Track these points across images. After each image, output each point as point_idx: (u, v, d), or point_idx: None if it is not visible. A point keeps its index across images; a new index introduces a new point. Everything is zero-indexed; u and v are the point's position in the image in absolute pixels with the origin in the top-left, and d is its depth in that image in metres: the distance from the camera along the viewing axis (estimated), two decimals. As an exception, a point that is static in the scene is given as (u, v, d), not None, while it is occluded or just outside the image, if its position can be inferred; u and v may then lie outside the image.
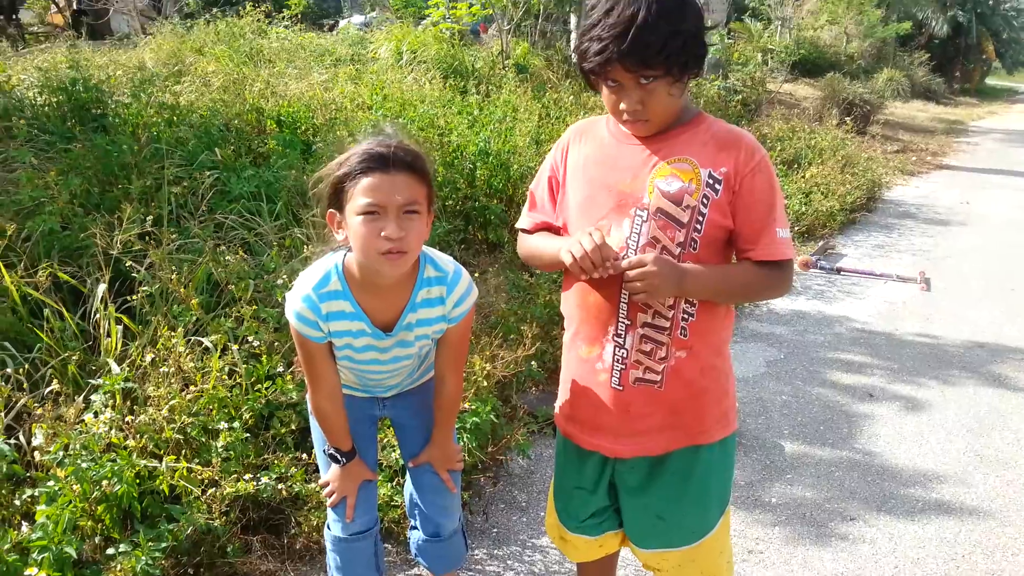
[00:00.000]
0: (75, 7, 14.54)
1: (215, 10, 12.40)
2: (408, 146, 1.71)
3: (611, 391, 1.80)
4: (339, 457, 1.99)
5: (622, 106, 1.69)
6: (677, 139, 1.73)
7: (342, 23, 18.87)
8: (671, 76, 1.64)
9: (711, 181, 1.68)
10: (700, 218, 1.69)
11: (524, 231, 1.97)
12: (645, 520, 1.94)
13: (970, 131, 16.14)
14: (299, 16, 13.10)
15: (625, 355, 1.77)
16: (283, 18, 12.33)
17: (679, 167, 1.70)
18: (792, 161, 8.43)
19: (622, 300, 1.75)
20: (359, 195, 1.64)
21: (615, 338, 1.77)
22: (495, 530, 2.87)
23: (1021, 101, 24.95)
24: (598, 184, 1.78)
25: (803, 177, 7.83)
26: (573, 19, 14.79)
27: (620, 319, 1.76)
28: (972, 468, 3.39)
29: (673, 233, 1.70)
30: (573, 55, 13.65)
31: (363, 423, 2.07)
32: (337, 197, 1.69)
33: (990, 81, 31.53)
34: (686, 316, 1.76)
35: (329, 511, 2.09)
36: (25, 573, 1.96)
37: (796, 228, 6.86)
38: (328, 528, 2.11)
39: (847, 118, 10.97)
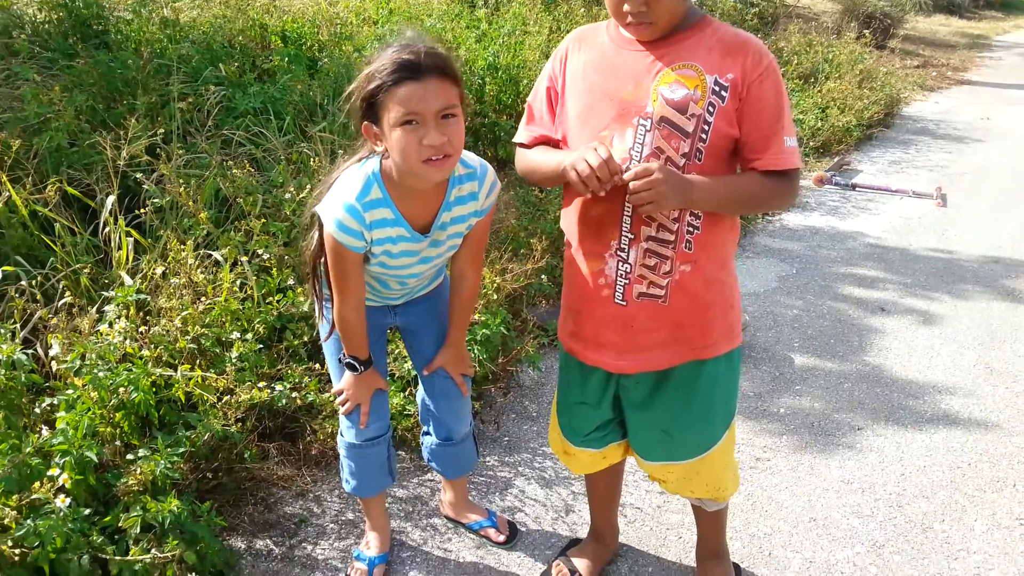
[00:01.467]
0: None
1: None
2: (435, 49, 1.66)
3: (614, 307, 1.79)
4: (356, 366, 2.00)
5: (626, 7, 1.62)
6: (682, 44, 1.66)
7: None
8: None
9: (717, 88, 1.63)
10: (706, 127, 1.64)
11: (522, 145, 1.91)
12: (650, 434, 1.95)
13: (994, 45, 15.66)
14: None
15: (628, 270, 1.75)
16: (285, -69, 11.99)
17: (684, 73, 1.64)
18: (809, 75, 8.23)
19: (625, 213, 1.71)
20: (395, 106, 1.61)
21: (618, 252, 1.74)
22: (506, 438, 2.92)
23: (1048, 14, 24.13)
24: (599, 92, 1.72)
25: (819, 91, 7.65)
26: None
27: (623, 233, 1.73)
28: (982, 380, 3.41)
29: (678, 143, 1.65)
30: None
31: (374, 332, 2.06)
32: (372, 110, 1.66)
33: (1017, -6, 30.45)
34: (691, 229, 1.72)
35: (342, 419, 2.12)
36: (48, 474, 2.00)
37: (811, 143, 6.74)
38: (341, 435, 2.14)
39: (866, 31, 10.66)
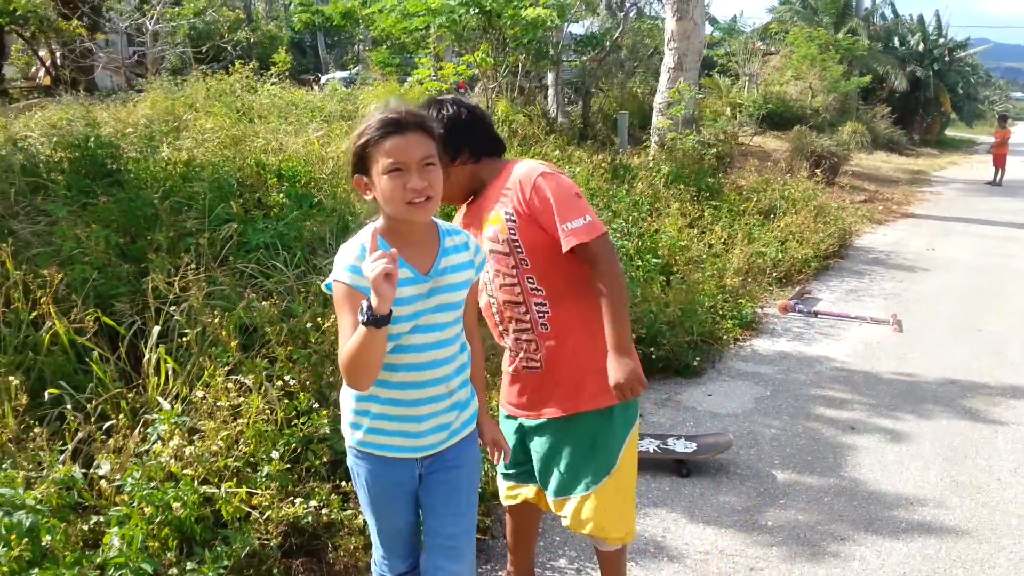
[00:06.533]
0: (58, 63, 14.77)
1: (203, 67, 12.76)
2: (415, 110, 1.94)
3: (510, 375, 2.45)
4: (373, 314, 1.73)
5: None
6: (487, 197, 2.33)
7: (324, 79, 19.35)
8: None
9: (507, 217, 2.25)
10: (517, 244, 2.26)
11: None
12: (546, 469, 2.45)
13: (932, 181, 16.82)
14: (286, 73, 13.49)
15: (512, 349, 2.40)
16: (271, 75, 12.69)
17: (490, 216, 2.30)
18: (768, 211, 8.85)
19: (493, 311, 2.40)
20: (382, 157, 1.84)
21: (503, 337, 2.43)
22: None
23: (979, 152, 25.95)
24: None
25: (779, 226, 8.22)
26: (550, 76, 15.38)
27: (499, 324, 2.42)
28: (949, 492, 3.67)
29: (506, 260, 2.29)
30: (552, 112, 14.15)
31: (404, 485, 2.07)
32: (362, 163, 1.89)
33: (949, 132, 32.73)
34: (541, 314, 2.32)
35: (377, 550, 2.17)
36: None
37: (774, 274, 7.21)
38: (377, 567, 2.21)
39: (817, 170, 11.47)
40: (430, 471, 2.07)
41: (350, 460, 2.09)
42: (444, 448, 2.07)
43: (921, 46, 27.91)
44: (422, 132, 1.88)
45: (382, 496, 2.08)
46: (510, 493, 2.64)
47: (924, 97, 26.90)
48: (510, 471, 2.59)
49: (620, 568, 2.65)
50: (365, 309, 1.72)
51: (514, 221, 2.24)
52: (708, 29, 21.29)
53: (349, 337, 1.81)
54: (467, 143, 2.30)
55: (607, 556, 2.61)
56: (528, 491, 2.60)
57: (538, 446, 2.45)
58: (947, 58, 28.19)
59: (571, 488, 2.42)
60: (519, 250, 2.27)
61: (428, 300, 1.96)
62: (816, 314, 6.39)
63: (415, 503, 2.13)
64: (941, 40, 28.57)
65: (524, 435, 2.49)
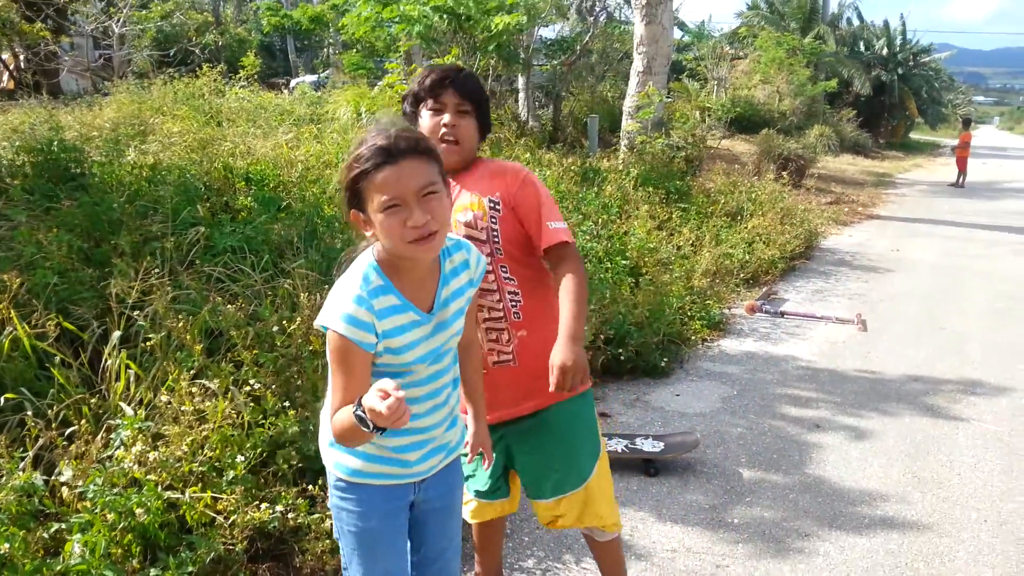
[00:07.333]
0: (22, 66, 14.52)
1: (170, 70, 12.64)
2: (407, 131, 1.70)
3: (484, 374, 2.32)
4: (368, 422, 1.55)
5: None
6: (463, 180, 2.27)
7: (294, 82, 19.24)
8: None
9: (491, 205, 2.24)
10: (495, 233, 2.24)
11: None
12: (536, 470, 2.40)
13: (897, 183, 17.10)
14: (255, 76, 13.41)
15: (481, 345, 2.29)
16: (239, 79, 12.61)
17: (469, 202, 2.25)
18: (735, 213, 8.94)
19: None
20: (375, 193, 1.63)
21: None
22: None
23: (943, 154, 26.41)
24: None
25: (746, 228, 8.31)
26: (521, 80, 15.43)
27: None
28: (911, 488, 3.74)
29: (481, 248, 2.21)
30: (523, 115, 14.17)
31: (399, 514, 1.93)
32: (356, 198, 1.68)
33: (914, 135, 33.30)
34: (514, 303, 2.30)
35: None
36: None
37: (741, 275, 7.29)
38: None
39: (783, 173, 11.61)
40: (426, 496, 1.94)
41: (334, 500, 1.89)
42: (440, 469, 1.94)
43: (886, 51, 28.37)
44: (417, 156, 1.66)
45: (378, 529, 1.87)
46: (484, 511, 2.53)
47: (889, 101, 27.34)
48: (484, 488, 2.47)
49: (621, 555, 2.63)
50: (365, 418, 1.53)
51: (498, 210, 2.23)
52: (677, 33, 21.53)
53: (341, 397, 1.67)
54: (487, 118, 2.32)
55: (607, 547, 2.56)
56: (501, 505, 2.54)
57: (526, 446, 2.38)
58: (911, 63, 28.68)
59: (572, 482, 2.38)
60: (496, 238, 2.24)
61: (433, 338, 1.81)
62: (782, 314, 6.47)
63: (407, 537, 1.97)
64: (906, 45, 29.06)
65: (507, 445, 2.40)
